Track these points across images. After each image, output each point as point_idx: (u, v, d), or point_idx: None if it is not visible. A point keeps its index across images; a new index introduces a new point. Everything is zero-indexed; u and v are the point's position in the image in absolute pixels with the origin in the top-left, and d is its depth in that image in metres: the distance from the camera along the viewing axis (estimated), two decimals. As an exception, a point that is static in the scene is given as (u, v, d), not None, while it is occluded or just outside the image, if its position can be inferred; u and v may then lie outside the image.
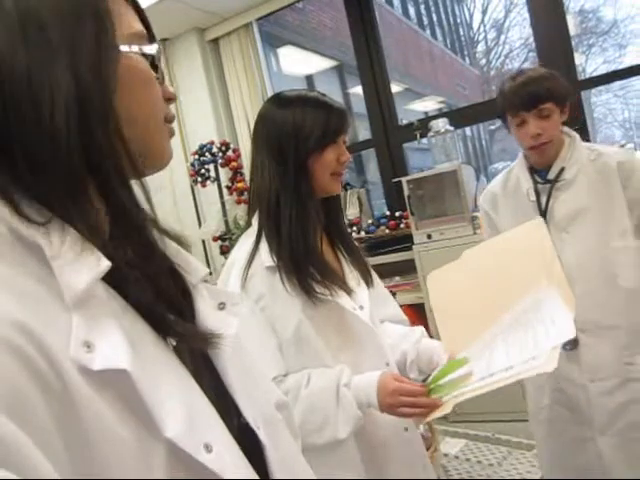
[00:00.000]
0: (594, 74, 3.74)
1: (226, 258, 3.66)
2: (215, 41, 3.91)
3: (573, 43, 3.38)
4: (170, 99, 0.57)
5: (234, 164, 3.59)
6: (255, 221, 1.15)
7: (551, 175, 1.60)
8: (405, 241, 3.22)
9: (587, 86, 3.50)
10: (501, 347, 1.00)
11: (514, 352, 0.97)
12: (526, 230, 1.23)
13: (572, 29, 3.40)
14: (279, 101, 1.15)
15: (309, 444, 1.01)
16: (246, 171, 3.71)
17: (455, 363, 1.07)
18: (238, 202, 3.63)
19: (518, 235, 1.25)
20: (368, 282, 1.22)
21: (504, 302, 1.05)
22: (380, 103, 3.66)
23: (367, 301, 1.18)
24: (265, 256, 1.10)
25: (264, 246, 1.11)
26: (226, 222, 3.63)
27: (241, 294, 1.08)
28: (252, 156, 1.16)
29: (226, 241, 3.62)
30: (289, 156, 1.09)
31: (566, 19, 3.27)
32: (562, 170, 1.58)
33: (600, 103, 5.55)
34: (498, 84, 1.70)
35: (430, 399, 1.04)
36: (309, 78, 6.59)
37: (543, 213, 1.58)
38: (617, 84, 4.73)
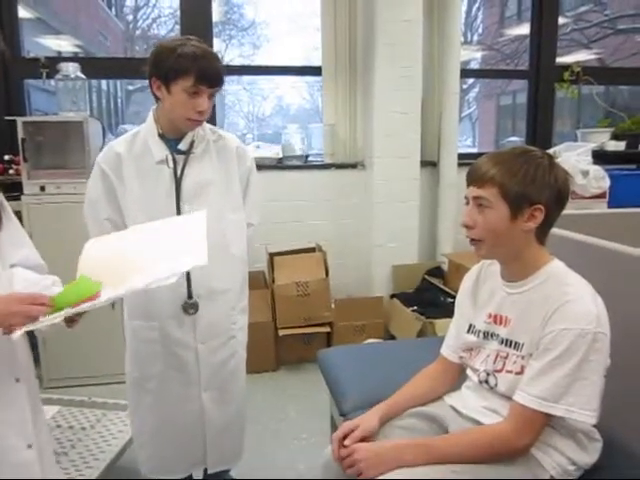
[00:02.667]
0: (231, 64, 4.09)
1: None
2: None
3: (216, 29, 3.66)
4: None
5: None
6: None
7: (183, 146, 1.65)
8: (13, 189, 2.88)
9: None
10: (137, 277, 1.08)
11: (148, 275, 1.07)
12: (188, 218, 1.37)
13: (216, 16, 3.60)
14: None
15: None
16: None
17: (89, 285, 1.07)
18: None
19: (180, 220, 1.40)
20: None
21: (147, 264, 1.14)
22: (1, 25, 3.21)
23: None
24: None
25: None
26: None
27: None
28: None
29: None
30: None
31: (212, 4, 3.47)
32: (192, 143, 1.66)
33: (231, 92, 6.07)
34: (147, 44, 1.65)
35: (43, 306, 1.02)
36: None
37: (179, 180, 1.64)
38: (247, 78, 5.27)
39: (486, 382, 1.28)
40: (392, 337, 3.28)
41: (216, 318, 1.72)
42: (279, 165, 3.58)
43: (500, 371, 1.25)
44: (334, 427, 1.98)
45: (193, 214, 1.36)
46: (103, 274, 1.12)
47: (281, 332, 3.13)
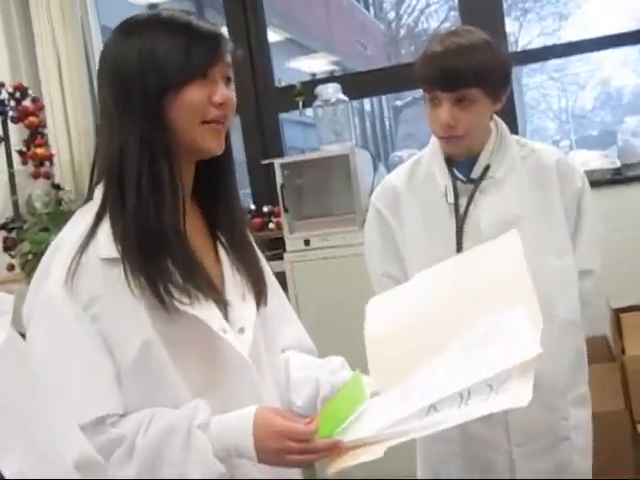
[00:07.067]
0: (528, 47, 4.07)
1: (11, 256, 3.46)
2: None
3: (505, 5, 3.69)
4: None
5: (33, 119, 3.42)
6: (99, 192, 1.15)
7: (475, 172, 1.69)
8: (274, 247, 3.22)
9: (520, 61, 3.76)
10: (441, 372, 1.08)
11: (458, 377, 1.05)
12: (496, 246, 1.33)
13: (505, -13, 3.64)
14: (127, 27, 1.17)
15: None
16: (51, 133, 3.58)
17: (357, 391, 1.13)
18: (35, 175, 3.46)
19: (486, 251, 1.36)
20: (260, 297, 1.23)
21: (455, 330, 1.13)
22: (251, 54, 3.66)
23: (252, 323, 1.18)
24: (104, 243, 1.09)
25: (105, 228, 1.10)
26: (15, 203, 3.44)
27: (29, 299, 1.09)
28: (98, 103, 1.18)
29: (13, 231, 3.43)
30: (134, 98, 1.10)
31: (498, -27, 3.51)
32: (487, 167, 1.68)
33: (533, 86, 5.92)
34: (414, 44, 1.76)
35: (329, 441, 1.07)
36: (153, 8, 6.36)
37: (461, 220, 1.66)
38: (553, 64, 5.13)
39: None
40: None
41: (536, 412, 1.59)
42: (617, 178, 3.39)
43: None
44: None
45: (500, 239, 1.33)
46: (398, 354, 1.17)
47: (641, 427, 2.89)
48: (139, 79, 1.09)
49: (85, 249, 1.08)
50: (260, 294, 1.23)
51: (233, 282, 1.20)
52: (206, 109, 1.12)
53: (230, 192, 1.25)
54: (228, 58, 1.15)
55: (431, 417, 1.04)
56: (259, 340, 1.20)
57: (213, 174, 1.21)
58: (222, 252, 1.22)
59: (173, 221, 1.10)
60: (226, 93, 1.14)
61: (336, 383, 1.23)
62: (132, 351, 1.07)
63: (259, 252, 1.32)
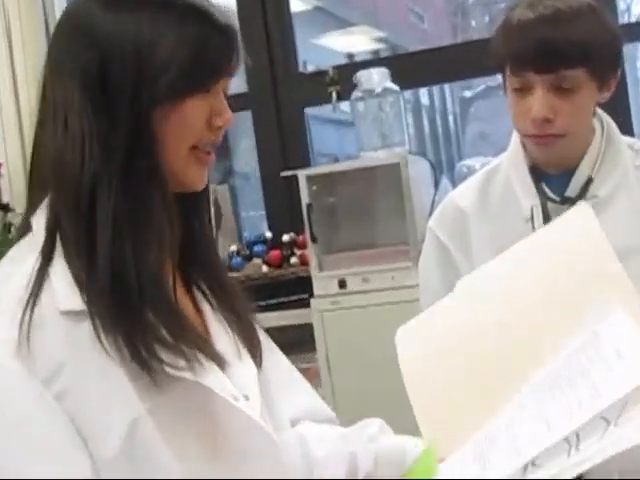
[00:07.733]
0: None
1: None
2: None
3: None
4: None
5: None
6: (39, 224, 1.09)
7: (572, 189, 1.65)
8: (298, 289, 3.22)
9: (634, 36, 3.61)
10: (527, 413, 1.06)
11: (555, 416, 1.00)
12: (565, 227, 1.34)
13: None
14: None
15: None
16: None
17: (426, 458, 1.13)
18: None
19: (549, 237, 1.38)
20: (256, 354, 1.24)
21: (529, 350, 1.14)
22: (267, 28, 3.64)
23: (255, 388, 1.19)
24: (62, 290, 1.05)
25: (59, 271, 1.05)
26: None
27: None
28: (43, 95, 1.12)
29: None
30: (119, 104, 1.06)
31: None
32: (589, 181, 1.63)
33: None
34: (489, 13, 1.78)
35: None
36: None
37: None
38: None
39: None
40: None
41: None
42: None
43: None
44: None
45: (568, 216, 1.35)
46: (458, 400, 1.17)
47: None
48: (126, 77, 1.05)
49: (37, 300, 1.02)
50: (255, 353, 1.23)
51: (226, 338, 1.20)
52: (202, 131, 1.12)
53: (206, 233, 1.24)
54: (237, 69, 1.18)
55: (532, 476, 0.96)
56: (263, 410, 1.19)
57: (188, 212, 1.20)
58: (203, 302, 1.23)
59: (158, 266, 1.08)
60: (230, 115, 1.15)
61: (379, 452, 1.25)
62: (115, 436, 1.02)
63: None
